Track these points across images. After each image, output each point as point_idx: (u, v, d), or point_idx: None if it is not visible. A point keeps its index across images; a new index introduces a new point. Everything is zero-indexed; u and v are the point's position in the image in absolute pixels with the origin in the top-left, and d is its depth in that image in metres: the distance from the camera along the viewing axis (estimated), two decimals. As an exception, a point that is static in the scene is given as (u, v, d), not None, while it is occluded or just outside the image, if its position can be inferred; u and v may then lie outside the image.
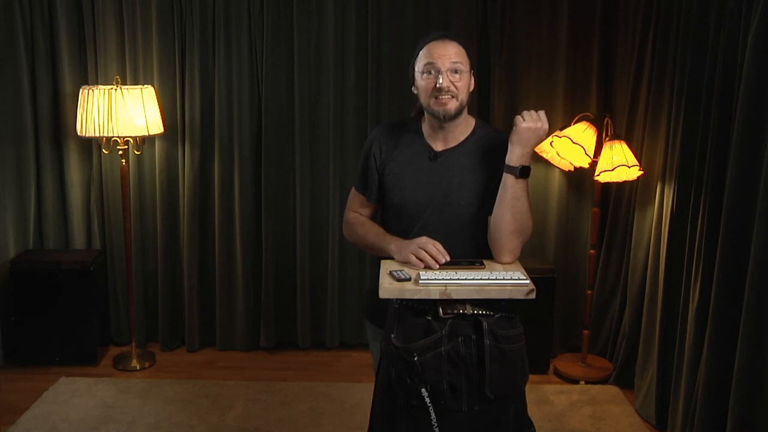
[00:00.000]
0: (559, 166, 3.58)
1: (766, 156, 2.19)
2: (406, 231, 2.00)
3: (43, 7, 3.63)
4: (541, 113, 1.91)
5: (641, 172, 3.30)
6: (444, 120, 1.96)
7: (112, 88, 3.35)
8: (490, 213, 1.97)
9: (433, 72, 1.93)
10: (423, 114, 2.06)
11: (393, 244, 1.98)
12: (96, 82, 3.68)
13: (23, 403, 3.25)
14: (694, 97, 2.81)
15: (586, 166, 3.42)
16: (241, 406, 3.27)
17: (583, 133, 3.38)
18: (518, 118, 1.90)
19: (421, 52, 1.97)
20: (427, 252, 1.88)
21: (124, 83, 3.49)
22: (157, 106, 3.55)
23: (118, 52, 3.71)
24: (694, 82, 2.82)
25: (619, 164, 3.24)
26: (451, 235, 1.95)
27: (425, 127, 2.06)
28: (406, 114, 2.16)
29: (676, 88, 3.01)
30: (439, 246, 1.90)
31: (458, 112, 1.96)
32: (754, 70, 2.27)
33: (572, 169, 3.53)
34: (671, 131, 3.05)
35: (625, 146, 3.30)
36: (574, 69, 3.66)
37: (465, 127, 2.04)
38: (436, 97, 1.93)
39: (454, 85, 1.92)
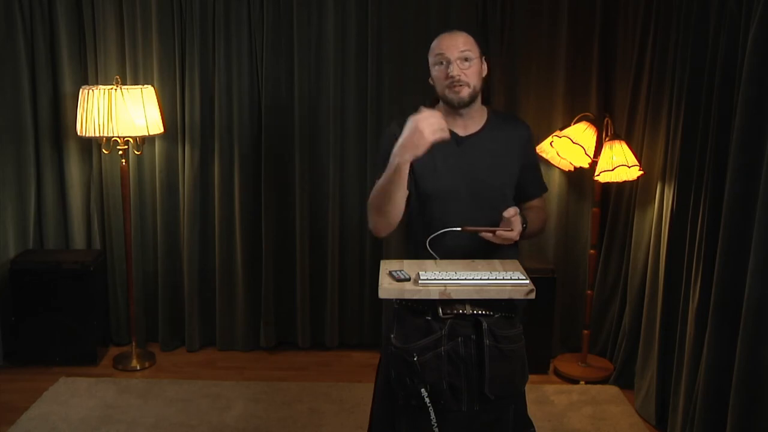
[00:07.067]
0: (559, 166, 3.58)
1: (766, 156, 2.19)
2: (439, 219, 2.02)
3: (43, 7, 3.63)
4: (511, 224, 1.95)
5: (641, 172, 3.30)
6: (459, 107, 2.04)
7: (112, 88, 3.35)
8: (515, 195, 2.15)
9: (443, 63, 2.01)
10: (438, 103, 2.12)
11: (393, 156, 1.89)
12: (96, 82, 3.68)
13: (23, 403, 3.25)
14: (694, 97, 2.81)
15: (586, 166, 3.42)
16: (241, 406, 3.27)
17: (583, 133, 3.38)
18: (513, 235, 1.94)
19: (432, 45, 2.07)
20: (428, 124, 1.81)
21: (124, 83, 3.49)
22: (157, 106, 3.55)
23: (118, 52, 3.71)
24: (694, 82, 2.82)
25: (619, 164, 3.24)
26: (483, 217, 1.99)
27: (443, 116, 2.08)
28: (407, 114, 2.17)
29: (676, 88, 3.01)
30: (437, 115, 1.83)
31: (472, 98, 2.05)
32: (754, 70, 2.27)
33: (572, 169, 3.53)
34: (671, 131, 3.05)
35: (625, 146, 3.29)
36: (574, 69, 3.66)
37: (481, 113, 2.13)
38: (450, 86, 2.01)
39: (464, 72, 2.00)
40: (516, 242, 2.10)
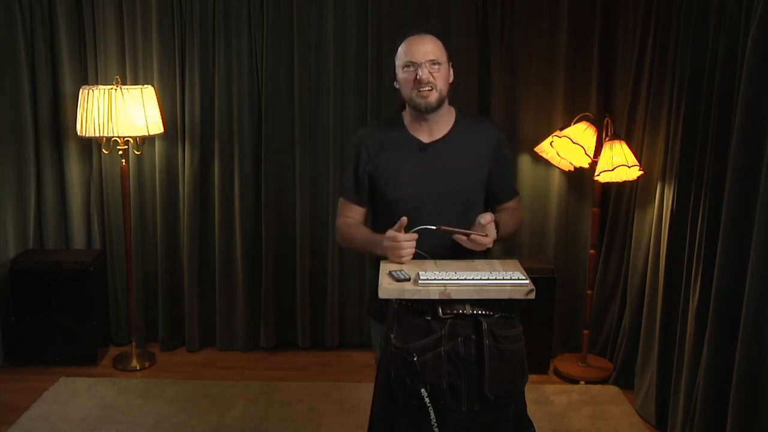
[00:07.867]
0: (559, 166, 3.58)
1: (766, 156, 2.19)
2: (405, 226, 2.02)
3: (43, 7, 3.63)
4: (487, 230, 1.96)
5: (641, 172, 3.30)
6: (426, 112, 2.05)
7: (112, 88, 3.35)
8: (486, 198, 2.15)
9: (412, 66, 2.02)
10: (405, 107, 2.13)
11: (379, 249, 2.00)
12: (96, 82, 3.68)
13: (23, 403, 3.25)
14: (694, 97, 2.81)
15: (586, 166, 3.42)
16: (241, 406, 3.27)
17: (583, 133, 3.38)
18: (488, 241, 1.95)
19: (400, 49, 2.07)
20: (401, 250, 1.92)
21: (124, 83, 3.49)
22: (157, 106, 3.55)
23: (118, 52, 3.71)
24: (694, 82, 2.82)
25: (619, 164, 3.24)
26: (450, 223, 1.98)
27: (409, 121, 2.14)
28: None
29: (676, 88, 3.01)
30: (406, 238, 1.93)
31: (439, 103, 2.05)
32: (754, 70, 2.27)
33: (572, 169, 3.53)
34: (671, 131, 3.05)
35: (625, 146, 3.29)
36: (574, 69, 3.66)
37: (448, 117, 2.13)
38: (418, 90, 2.02)
39: (432, 76, 2.02)
40: (487, 248, 2.10)
